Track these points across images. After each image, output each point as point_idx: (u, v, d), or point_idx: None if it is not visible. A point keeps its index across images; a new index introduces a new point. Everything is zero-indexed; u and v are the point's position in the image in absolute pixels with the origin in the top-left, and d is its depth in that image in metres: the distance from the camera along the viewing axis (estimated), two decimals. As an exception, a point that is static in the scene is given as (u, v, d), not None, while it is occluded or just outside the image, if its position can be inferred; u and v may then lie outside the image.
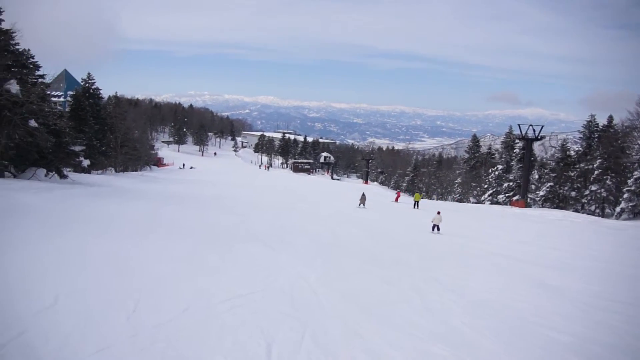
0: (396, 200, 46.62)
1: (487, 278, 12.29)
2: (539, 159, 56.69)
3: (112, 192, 24.69)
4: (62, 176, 27.10)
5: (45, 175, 25.63)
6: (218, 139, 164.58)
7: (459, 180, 76.66)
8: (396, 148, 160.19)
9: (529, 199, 47.59)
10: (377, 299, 9.14)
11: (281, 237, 15.42)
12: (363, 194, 35.05)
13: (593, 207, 43.25)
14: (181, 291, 7.96)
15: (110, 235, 11.78)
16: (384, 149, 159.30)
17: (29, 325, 5.73)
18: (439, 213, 22.72)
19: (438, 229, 22.16)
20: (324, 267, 11.34)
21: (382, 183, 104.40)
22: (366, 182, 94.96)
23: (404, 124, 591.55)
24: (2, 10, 23.98)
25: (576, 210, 43.19)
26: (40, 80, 26.63)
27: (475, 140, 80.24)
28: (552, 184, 46.98)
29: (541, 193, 47.93)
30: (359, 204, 33.82)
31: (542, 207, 46.25)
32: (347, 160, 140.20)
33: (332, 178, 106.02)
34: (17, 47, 24.93)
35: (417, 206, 37.71)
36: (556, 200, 46.62)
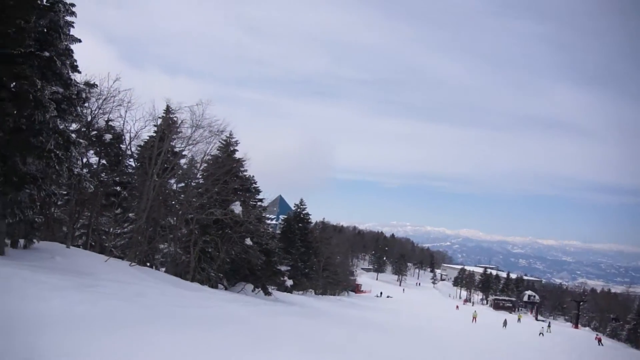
0: None
1: None
2: None
3: (313, 313, 25.01)
4: (267, 293, 28.49)
5: (252, 291, 27.22)
6: (417, 270, 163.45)
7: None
8: (613, 291, 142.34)
9: None
10: None
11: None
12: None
13: None
14: None
15: (311, 354, 11.55)
16: (598, 291, 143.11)
17: None
18: None
19: None
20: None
21: (595, 329, 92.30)
22: (576, 327, 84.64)
23: (622, 264, 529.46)
24: (238, 142, 27.39)
25: None
26: (259, 203, 29.20)
27: None
28: None
29: None
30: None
31: None
32: (553, 301, 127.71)
33: (537, 319, 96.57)
34: (244, 173, 27.88)
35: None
36: None
